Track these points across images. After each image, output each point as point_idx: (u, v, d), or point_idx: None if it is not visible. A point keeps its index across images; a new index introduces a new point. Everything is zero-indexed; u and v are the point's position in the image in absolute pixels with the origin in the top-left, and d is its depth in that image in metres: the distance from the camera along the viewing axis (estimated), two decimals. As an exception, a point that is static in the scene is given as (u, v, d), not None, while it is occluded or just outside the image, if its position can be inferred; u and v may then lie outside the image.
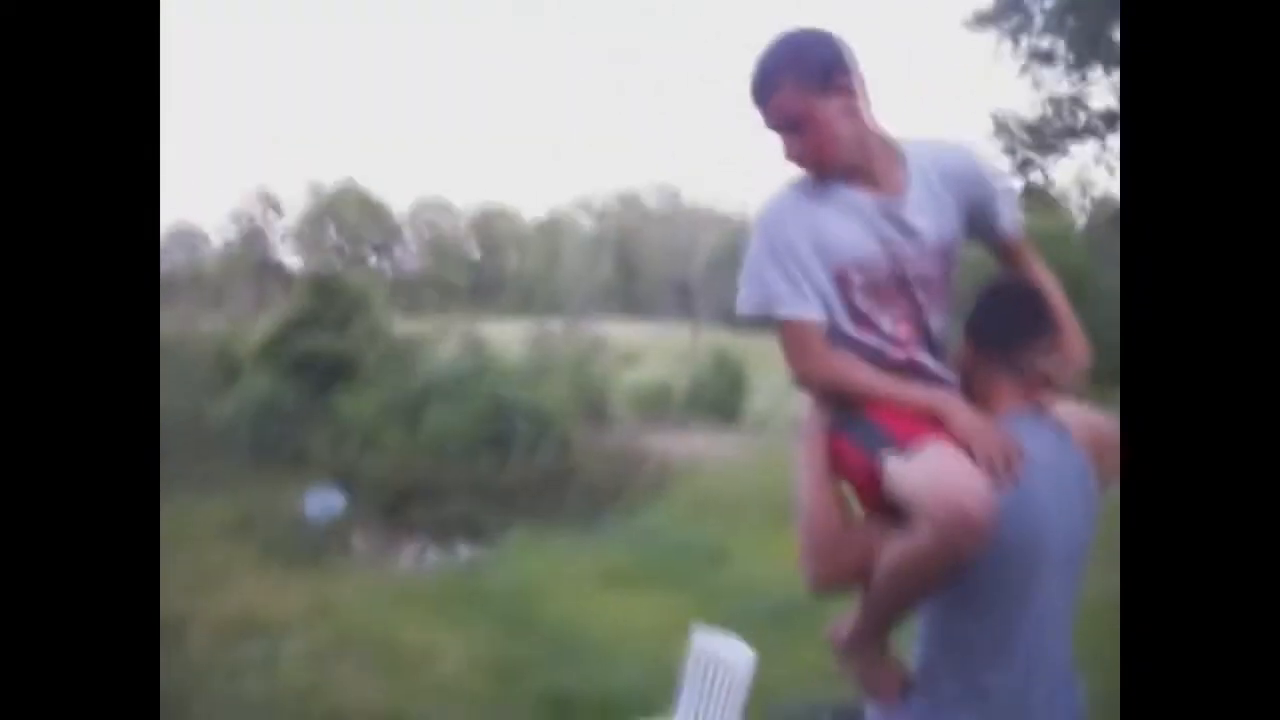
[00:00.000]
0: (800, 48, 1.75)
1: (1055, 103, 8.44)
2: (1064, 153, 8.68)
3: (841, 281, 1.76)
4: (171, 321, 28.49)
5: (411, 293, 40.07)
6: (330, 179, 58.17)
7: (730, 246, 49.10)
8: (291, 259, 54.31)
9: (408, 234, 62.01)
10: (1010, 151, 8.66)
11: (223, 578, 8.72)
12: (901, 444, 1.66)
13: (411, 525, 10.40)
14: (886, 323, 1.78)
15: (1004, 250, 1.94)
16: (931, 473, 1.61)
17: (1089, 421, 1.88)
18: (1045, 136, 8.60)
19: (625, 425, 17.19)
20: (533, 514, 10.82)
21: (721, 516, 11.21)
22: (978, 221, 1.87)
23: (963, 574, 1.67)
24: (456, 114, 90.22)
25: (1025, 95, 9.99)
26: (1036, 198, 9.07)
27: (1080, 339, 1.95)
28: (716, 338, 26.83)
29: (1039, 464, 1.75)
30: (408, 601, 8.15)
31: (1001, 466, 1.64)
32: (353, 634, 7.28)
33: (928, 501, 1.59)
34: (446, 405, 12.79)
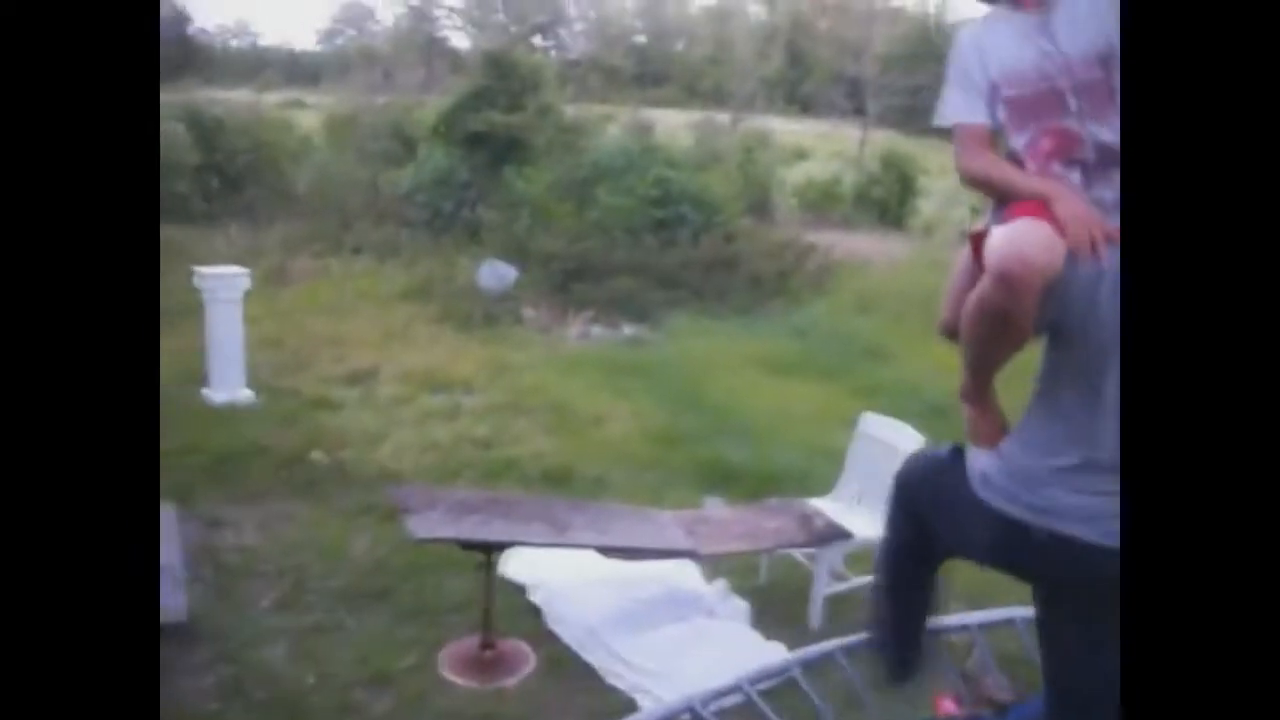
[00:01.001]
0: None
1: None
2: None
3: (992, 91, 1.98)
4: (347, 95, 29.15)
5: (576, 76, 39.60)
6: (497, -46, 56.74)
7: (906, 43, 46.42)
8: (457, 35, 54.11)
9: (573, 13, 60.78)
10: None
11: (405, 336, 9.28)
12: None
13: (578, 301, 10.69)
14: (1026, 135, 1.95)
15: None
16: (1007, 231, 1.83)
17: None
18: None
19: (790, 220, 17.00)
20: (696, 299, 10.99)
21: (883, 315, 11.16)
22: None
23: (1033, 327, 1.90)
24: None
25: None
26: None
27: None
28: (886, 138, 25.87)
29: None
30: (576, 370, 8.52)
31: (1087, 241, 1.82)
32: (526, 395, 7.70)
33: (992, 249, 1.82)
34: (614, 187, 12.87)
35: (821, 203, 18.84)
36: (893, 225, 18.41)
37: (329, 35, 63.05)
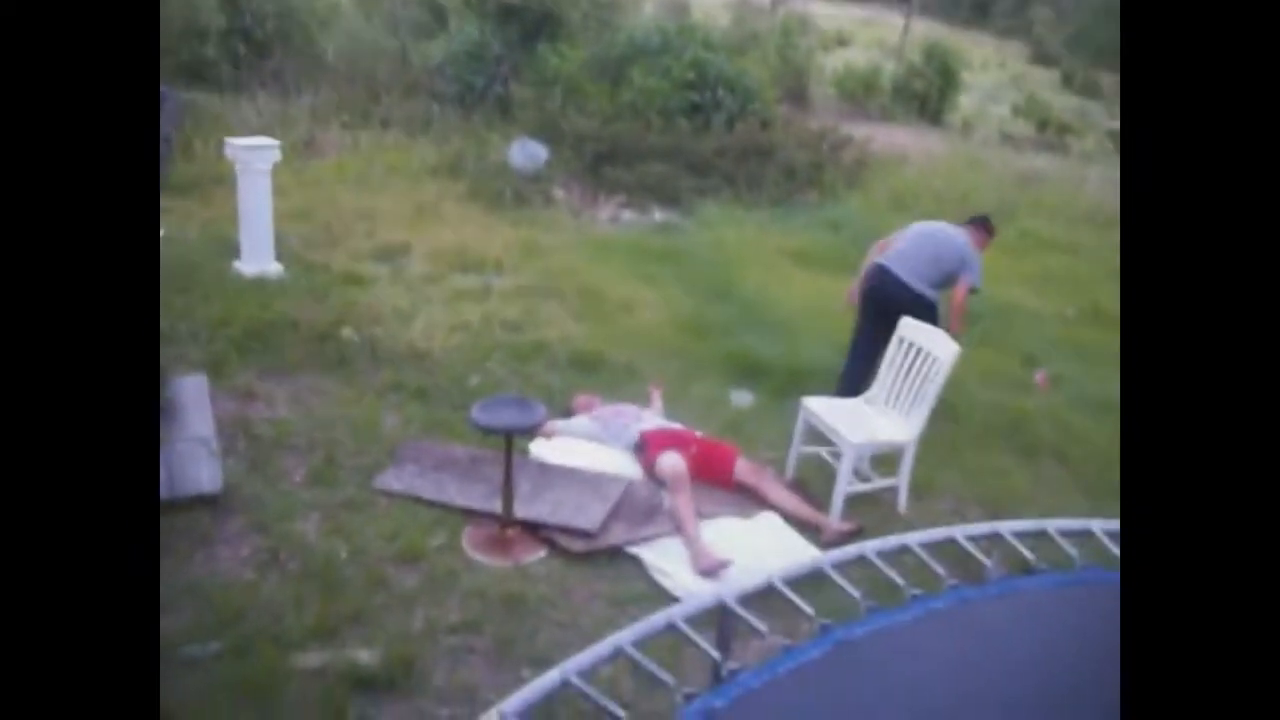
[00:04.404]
0: None
1: None
2: None
3: None
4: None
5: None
6: None
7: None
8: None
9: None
10: None
11: (435, 213, 9.18)
12: None
13: (609, 184, 10.53)
14: None
15: None
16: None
17: None
18: None
19: (827, 109, 16.61)
20: (728, 187, 10.80)
21: (918, 213, 10.95)
22: None
23: None
24: None
25: None
26: None
27: None
28: (929, 29, 25.06)
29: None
30: (606, 255, 8.43)
31: None
32: (556, 278, 7.65)
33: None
34: (649, 68, 12.53)
35: (860, 93, 18.37)
36: (931, 120, 17.98)
37: (358, -106, 60.86)
